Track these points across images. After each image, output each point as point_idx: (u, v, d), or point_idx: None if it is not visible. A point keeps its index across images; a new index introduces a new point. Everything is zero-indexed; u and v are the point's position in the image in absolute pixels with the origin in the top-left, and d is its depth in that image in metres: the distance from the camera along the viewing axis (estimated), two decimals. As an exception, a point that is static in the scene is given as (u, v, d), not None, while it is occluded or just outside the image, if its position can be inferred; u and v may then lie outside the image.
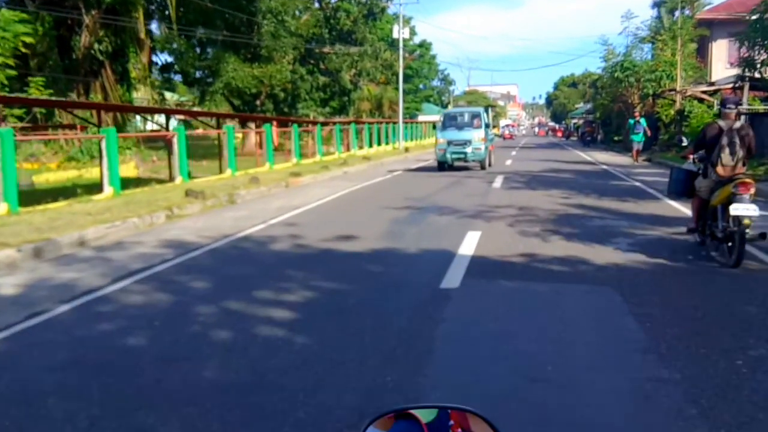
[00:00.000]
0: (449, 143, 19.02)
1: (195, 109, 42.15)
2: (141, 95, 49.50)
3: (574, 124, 75.79)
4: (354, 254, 7.23)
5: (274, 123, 32.49)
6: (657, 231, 8.48)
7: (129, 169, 24.64)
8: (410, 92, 75.34)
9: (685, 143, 8.00)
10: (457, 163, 19.66)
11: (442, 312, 4.88)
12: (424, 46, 77.78)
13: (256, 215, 10.85)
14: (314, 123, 31.12)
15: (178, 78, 47.95)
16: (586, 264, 6.46)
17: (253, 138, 37.28)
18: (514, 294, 5.41)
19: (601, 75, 44.40)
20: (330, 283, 5.88)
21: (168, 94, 50.79)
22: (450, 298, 5.25)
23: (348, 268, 6.51)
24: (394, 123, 44.25)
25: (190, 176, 17.15)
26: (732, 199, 6.22)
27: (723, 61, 36.99)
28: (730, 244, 6.35)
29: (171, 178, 17.05)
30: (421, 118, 68.48)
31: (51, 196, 13.09)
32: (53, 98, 22.48)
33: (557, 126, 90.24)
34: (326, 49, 49.17)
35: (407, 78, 74.86)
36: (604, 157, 27.71)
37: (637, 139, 23.31)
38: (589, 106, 61.37)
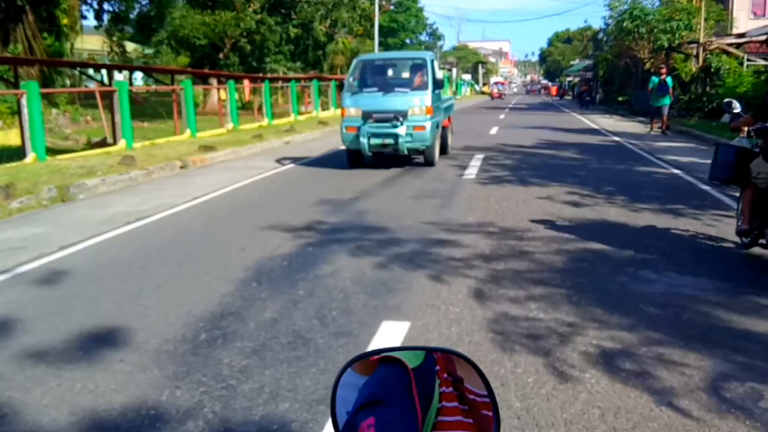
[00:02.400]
0: (366, 117, 10.42)
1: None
2: (90, 46, 44.05)
3: (569, 82, 70.66)
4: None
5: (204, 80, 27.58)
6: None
7: (16, 136, 19.70)
8: (395, 47, 70.02)
9: (737, 110, 5.73)
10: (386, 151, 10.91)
11: None
12: (412, -3, 71.97)
13: (43, 240, 6.14)
14: (262, 79, 26.02)
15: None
16: None
17: (215, 96, 32.78)
18: None
19: (607, 26, 39.26)
20: None
21: (132, 46, 45.34)
22: None
23: None
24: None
25: (47, 151, 12.34)
26: None
27: (746, 10, 32.08)
28: None
29: (23, 154, 12.26)
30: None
31: None
32: None
33: (550, 84, 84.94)
34: (299, -2, 43.58)
35: (392, 32, 69.43)
36: (610, 123, 22.96)
37: (665, 103, 18.23)
38: (586, 62, 56.18)
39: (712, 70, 21.91)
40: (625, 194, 8.06)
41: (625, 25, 29.49)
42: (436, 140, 11.03)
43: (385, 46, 67.56)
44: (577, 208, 7.25)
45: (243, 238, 6.09)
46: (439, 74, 11.43)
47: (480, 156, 12.21)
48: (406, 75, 11.68)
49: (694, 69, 24.24)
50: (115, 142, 14.81)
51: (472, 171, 10.25)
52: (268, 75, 32.24)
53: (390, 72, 11.66)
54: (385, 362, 1.02)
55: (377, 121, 10.36)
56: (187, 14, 34.51)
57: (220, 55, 39.27)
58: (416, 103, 10.42)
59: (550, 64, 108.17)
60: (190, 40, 35.54)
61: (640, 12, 29.12)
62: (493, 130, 19.10)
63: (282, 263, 5.16)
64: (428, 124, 10.36)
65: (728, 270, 4.90)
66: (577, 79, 62.93)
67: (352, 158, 11.16)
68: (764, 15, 31.25)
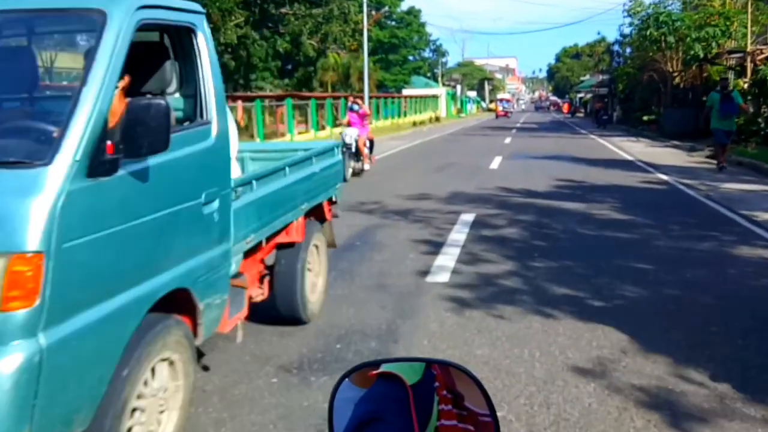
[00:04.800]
0: None
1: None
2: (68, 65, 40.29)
3: (581, 98, 66.39)
4: None
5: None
6: None
7: None
8: (397, 64, 66.26)
9: None
10: None
11: None
12: (413, 13, 68.25)
13: None
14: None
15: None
16: None
17: None
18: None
19: (623, 37, 34.92)
20: None
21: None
22: None
23: None
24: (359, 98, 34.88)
25: None
26: None
27: (789, 14, 27.71)
28: None
29: None
30: (407, 91, 59.38)
31: None
32: None
33: (561, 101, 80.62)
34: (285, 10, 39.55)
35: (393, 48, 65.65)
36: (641, 150, 18.50)
37: (732, 128, 13.39)
38: (600, 77, 51.83)
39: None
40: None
41: (649, 33, 25.11)
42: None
43: (386, 62, 63.71)
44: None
45: None
46: (207, 67, 2.92)
47: (468, 218, 7.72)
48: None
49: (741, 83, 19.78)
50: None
51: (447, 260, 5.73)
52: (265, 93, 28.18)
53: None
54: (383, 377, 0.98)
55: None
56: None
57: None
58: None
59: (558, 80, 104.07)
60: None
61: (667, 18, 24.74)
62: (495, 163, 14.65)
63: None
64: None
65: None
66: (589, 96, 58.62)
67: None
68: None
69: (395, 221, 7.62)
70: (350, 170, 11.36)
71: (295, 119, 27.62)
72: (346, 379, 0.99)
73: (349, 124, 11.92)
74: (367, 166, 12.16)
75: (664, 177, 12.01)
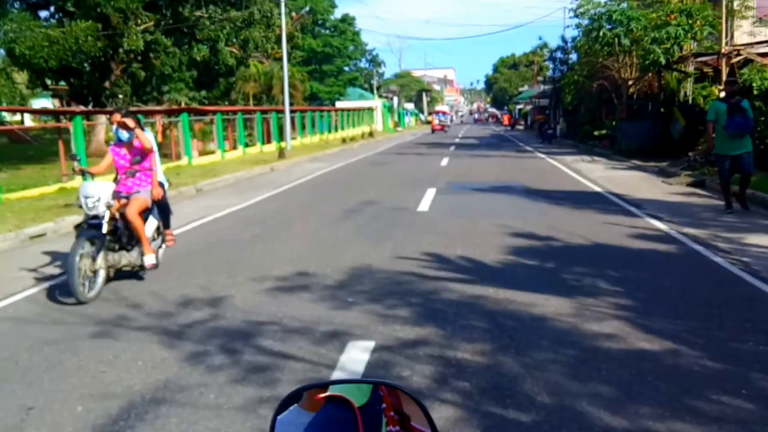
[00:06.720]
0: None
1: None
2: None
3: (520, 110, 64.14)
4: None
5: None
6: None
7: None
8: (331, 74, 62.49)
9: None
10: None
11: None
12: (347, 20, 64.83)
13: None
14: (72, 113, 17.06)
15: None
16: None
17: (101, 134, 25.02)
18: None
19: (565, 43, 32.16)
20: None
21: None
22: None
23: None
24: (280, 112, 30.96)
25: None
26: None
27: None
28: None
29: None
30: (341, 104, 55.65)
31: None
32: None
33: (499, 112, 78.48)
34: (200, 13, 35.06)
35: (327, 57, 61.88)
36: (603, 174, 15.16)
37: (746, 149, 8.99)
38: (541, 87, 49.35)
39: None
40: None
41: (602, 33, 21.95)
42: None
43: (320, 73, 59.71)
44: None
45: None
46: None
47: (361, 358, 3.88)
48: None
49: (715, 91, 16.79)
50: None
51: None
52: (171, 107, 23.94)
53: None
54: (331, 400, 0.98)
55: None
56: (23, 25, 25.21)
57: (106, 84, 30.40)
58: None
59: (496, 91, 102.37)
60: (31, 61, 26.22)
61: (622, 16, 21.68)
62: (426, 200, 10.89)
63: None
64: None
65: None
66: (528, 107, 56.22)
67: None
68: (774, 21, 24.42)
69: (209, 373, 3.69)
70: (102, 273, 5.36)
71: (195, 138, 23.42)
72: (295, 405, 0.99)
73: (116, 178, 5.91)
74: (150, 259, 5.70)
75: (658, 224, 8.48)
